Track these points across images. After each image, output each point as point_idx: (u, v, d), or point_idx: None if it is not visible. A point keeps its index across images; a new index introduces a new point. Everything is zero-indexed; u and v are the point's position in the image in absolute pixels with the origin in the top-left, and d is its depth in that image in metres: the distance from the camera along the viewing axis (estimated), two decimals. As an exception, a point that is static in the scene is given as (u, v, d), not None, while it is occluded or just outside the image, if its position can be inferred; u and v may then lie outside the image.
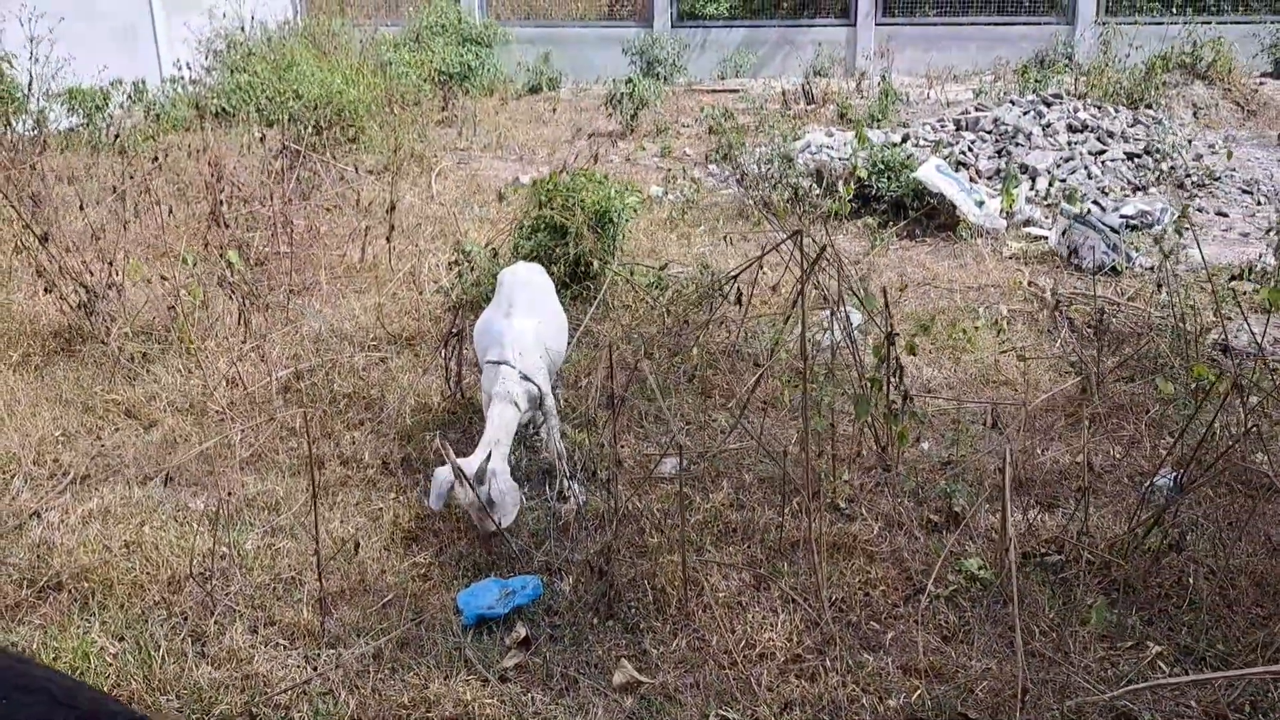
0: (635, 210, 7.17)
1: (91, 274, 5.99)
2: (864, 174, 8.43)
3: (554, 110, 14.10)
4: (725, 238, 6.71)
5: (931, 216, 8.32)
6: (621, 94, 12.47)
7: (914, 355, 4.65)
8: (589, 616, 3.59)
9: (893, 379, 4.21)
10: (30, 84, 11.10)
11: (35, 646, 3.41)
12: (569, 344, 4.96)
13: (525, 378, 4.18)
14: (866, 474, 4.49)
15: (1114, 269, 7.19)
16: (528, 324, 4.40)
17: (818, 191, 8.83)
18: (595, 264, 6.43)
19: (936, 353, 5.86)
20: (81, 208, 6.29)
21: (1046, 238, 7.94)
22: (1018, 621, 3.08)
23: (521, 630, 3.49)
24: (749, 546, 4.00)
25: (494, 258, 6.17)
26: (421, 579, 3.86)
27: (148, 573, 3.83)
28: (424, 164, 10.32)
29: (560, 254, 6.32)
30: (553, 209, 6.48)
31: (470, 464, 3.91)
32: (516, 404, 4.13)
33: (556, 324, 4.70)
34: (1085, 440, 4.08)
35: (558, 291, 5.30)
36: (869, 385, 4.15)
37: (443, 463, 4.02)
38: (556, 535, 4.10)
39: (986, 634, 3.50)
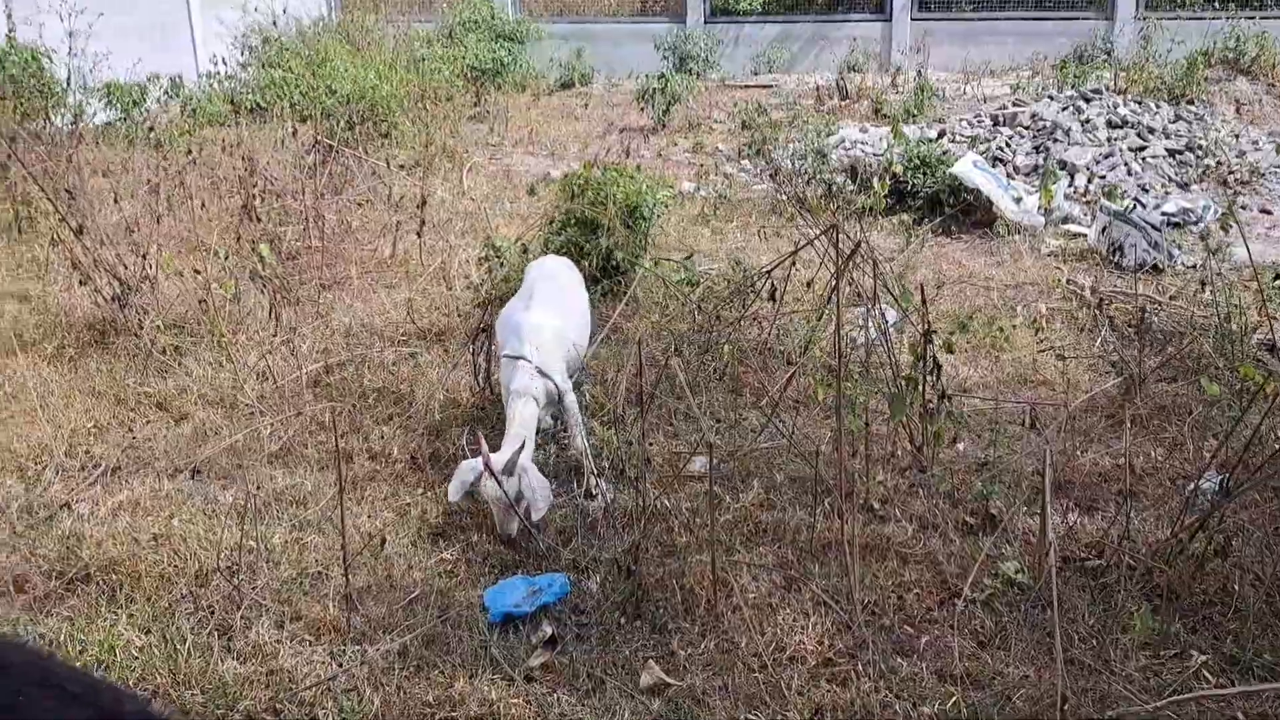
0: (666, 205, 7.11)
1: (125, 267, 6.02)
2: (899, 170, 8.30)
3: (586, 106, 14.06)
4: (759, 232, 6.62)
5: (968, 213, 8.19)
6: (654, 89, 12.40)
7: (951, 354, 4.55)
8: (616, 616, 3.54)
9: (929, 378, 4.12)
10: (68, 79, 11.22)
11: (63, 638, 3.41)
12: (595, 339, 4.91)
13: (542, 373, 4.13)
14: (901, 475, 4.40)
15: (1155, 267, 7.04)
16: (547, 318, 4.36)
17: (852, 187, 8.72)
18: (624, 259, 6.38)
19: (973, 351, 5.75)
20: (116, 201, 6.32)
21: (1086, 235, 7.79)
22: (1057, 628, 3.00)
23: (548, 629, 3.44)
24: (779, 547, 3.93)
25: (524, 253, 6.13)
26: (448, 575, 3.83)
27: (175, 566, 3.82)
28: (456, 159, 10.31)
29: (590, 249, 6.27)
30: (583, 204, 6.43)
31: (499, 458, 3.88)
32: (535, 399, 4.09)
33: (579, 319, 4.65)
34: (1126, 442, 3.97)
35: (587, 287, 5.26)
36: (904, 384, 4.07)
37: (471, 456, 3.99)
38: (584, 533, 4.05)
39: (1024, 640, 3.41)
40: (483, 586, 3.73)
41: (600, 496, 4.19)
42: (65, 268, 6.41)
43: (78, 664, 3.29)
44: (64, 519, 4.17)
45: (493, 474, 3.79)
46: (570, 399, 4.34)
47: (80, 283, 6.08)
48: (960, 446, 4.69)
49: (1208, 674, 3.25)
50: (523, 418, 4.04)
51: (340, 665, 3.31)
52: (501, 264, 6.11)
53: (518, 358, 4.17)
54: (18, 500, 4.31)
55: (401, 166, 9.24)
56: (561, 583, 3.66)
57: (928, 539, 3.98)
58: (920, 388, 4.11)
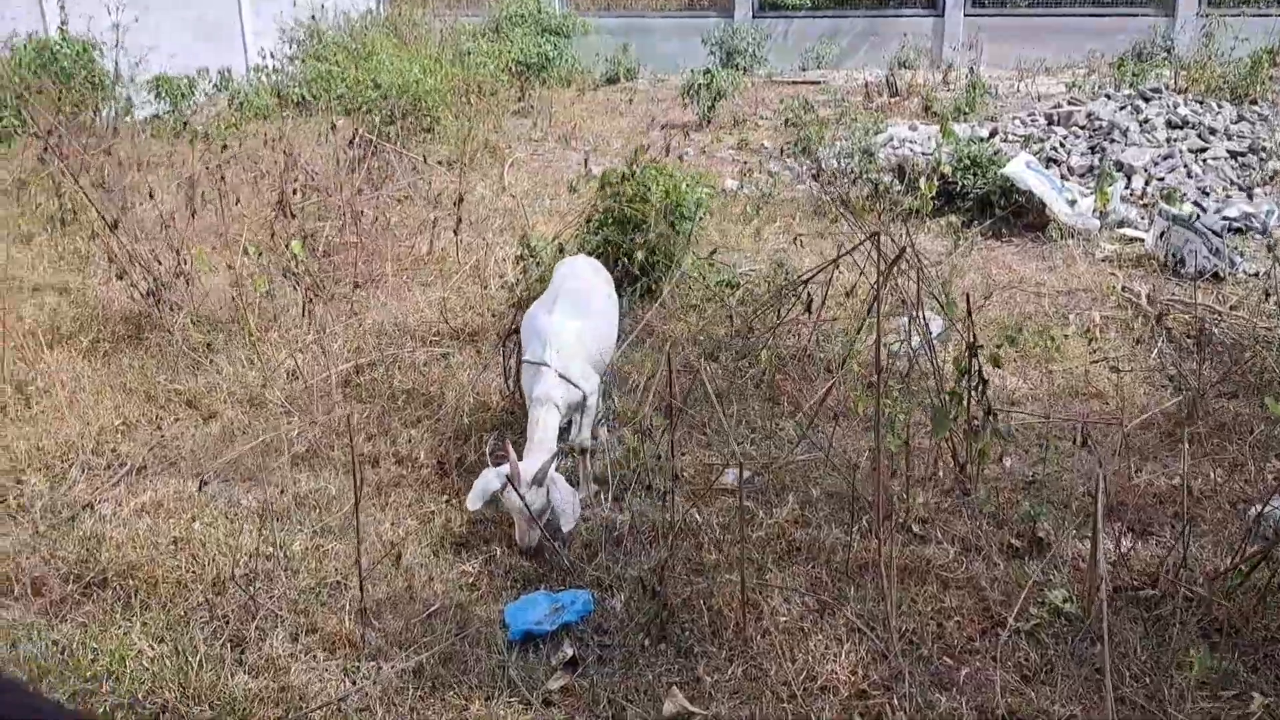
0: (707, 205, 6.95)
1: (159, 262, 5.99)
2: (948, 170, 8.06)
3: (630, 101, 13.92)
4: (797, 239, 6.44)
5: (1019, 215, 7.93)
6: (699, 85, 12.22)
7: (998, 368, 4.35)
8: (640, 638, 3.40)
9: (974, 393, 3.92)
10: (115, 71, 11.31)
11: (75, 645, 3.34)
12: (622, 343, 4.77)
13: (564, 379, 4.01)
14: (943, 493, 4.21)
15: (1216, 275, 6.74)
16: (570, 322, 4.23)
17: (899, 187, 8.48)
18: (661, 259, 6.23)
19: (1022, 361, 5.53)
20: (151, 195, 6.29)
21: (1143, 240, 7.50)
22: (1108, 663, 2.81)
23: (569, 650, 3.31)
24: (813, 568, 3.76)
25: (559, 252, 6.00)
26: (469, 589, 3.71)
27: (193, 572, 3.75)
28: (497, 155, 10.22)
29: (628, 248, 6.13)
30: (621, 202, 6.29)
31: (528, 467, 3.75)
32: (557, 406, 3.96)
33: (604, 323, 4.51)
34: (1184, 462, 3.75)
35: (622, 288, 5.12)
36: (948, 398, 3.87)
37: (496, 463, 3.87)
38: (609, 548, 3.91)
39: (1071, 675, 3.21)
40: (504, 601, 3.61)
41: (591, 500, 4.03)
42: (104, 261, 6.41)
43: (89, 673, 3.23)
44: (86, 519, 4.12)
45: (517, 484, 3.67)
46: (592, 401, 4.22)
47: (117, 277, 6.07)
48: (1007, 464, 4.48)
49: (1270, 717, 3.04)
50: (545, 425, 3.92)
51: (354, 683, 3.21)
52: (537, 263, 6.00)
53: (540, 364, 4.05)
54: (42, 499, 4.28)
55: (440, 162, 9.17)
56: (585, 600, 3.53)
57: (970, 563, 3.79)
58: (965, 403, 3.92)
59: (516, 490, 3.69)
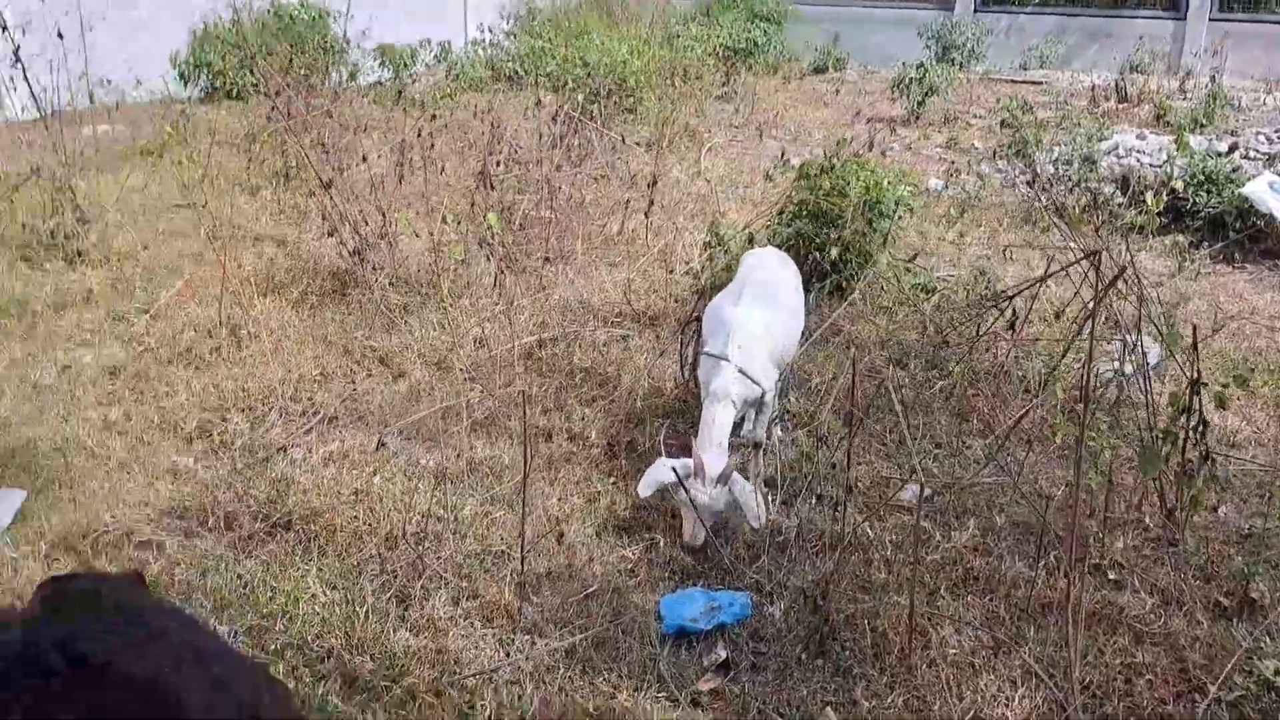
0: (908, 204, 6.65)
1: (366, 223, 6.26)
2: (1179, 184, 7.42)
3: (837, 92, 13.59)
4: (1005, 251, 6.07)
5: (1256, 240, 7.23)
6: (910, 79, 11.78)
7: (1224, 409, 3.94)
8: (797, 650, 3.27)
9: (1192, 433, 3.56)
10: (345, 38, 11.94)
11: (256, 581, 3.52)
12: (806, 340, 4.61)
13: (744, 374, 3.89)
14: (1145, 538, 3.86)
15: None
16: (756, 315, 4.10)
17: (1120, 200, 7.89)
18: (855, 257, 6.01)
19: (1249, 400, 5.02)
20: (364, 159, 6.57)
21: (1406, 278, 6.69)
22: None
23: (722, 652, 3.23)
24: (990, 601, 3.52)
25: (749, 242, 5.89)
26: (627, 574, 3.68)
27: (369, 524, 3.88)
28: (696, 139, 10.17)
29: (820, 243, 5.94)
30: (818, 195, 6.10)
31: (713, 465, 3.67)
32: (734, 402, 3.85)
33: (790, 318, 4.36)
34: None
35: (810, 283, 4.96)
36: (1161, 437, 3.54)
37: (669, 453, 3.81)
38: (772, 553, 3.78)
39: (1278, 760, 2.87)
40: (660, 592, 3.55)
41: (759, 508, 3.89)
42: (318, 218, 6.76)
43: (266, 610, 3.39)
44: (278, 462, 4.33)
45: (697, 481, 3.60)
46: (770, 399, 4.09)
47: (328, 234, 6.38)
48: (1221, 512, 4.07)
49: None
50: (721, 424, 3.83)
51: (507, 654, 3.23)
52: (724, 251, 5.91)
53: (720, 357, 3.95)
54: (242, 438, 4.54)
55: (639, 143, 9.20)
56: (742, 603, 3.43)
57: (1169, 617, 3.45)
58: (1180, 443, 3.57)
59: (690, 487, 3.61)
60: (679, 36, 13.69)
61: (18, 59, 6.92)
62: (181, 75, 12.07)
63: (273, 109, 7.02)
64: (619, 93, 10.80)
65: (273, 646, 3.22)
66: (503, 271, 6.11)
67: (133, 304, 6.04)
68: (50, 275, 6.49)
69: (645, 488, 3.74)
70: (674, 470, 3.67)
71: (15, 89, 8.40)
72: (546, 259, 6.32)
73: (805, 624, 3.33)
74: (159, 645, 2.10)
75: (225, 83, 11.74)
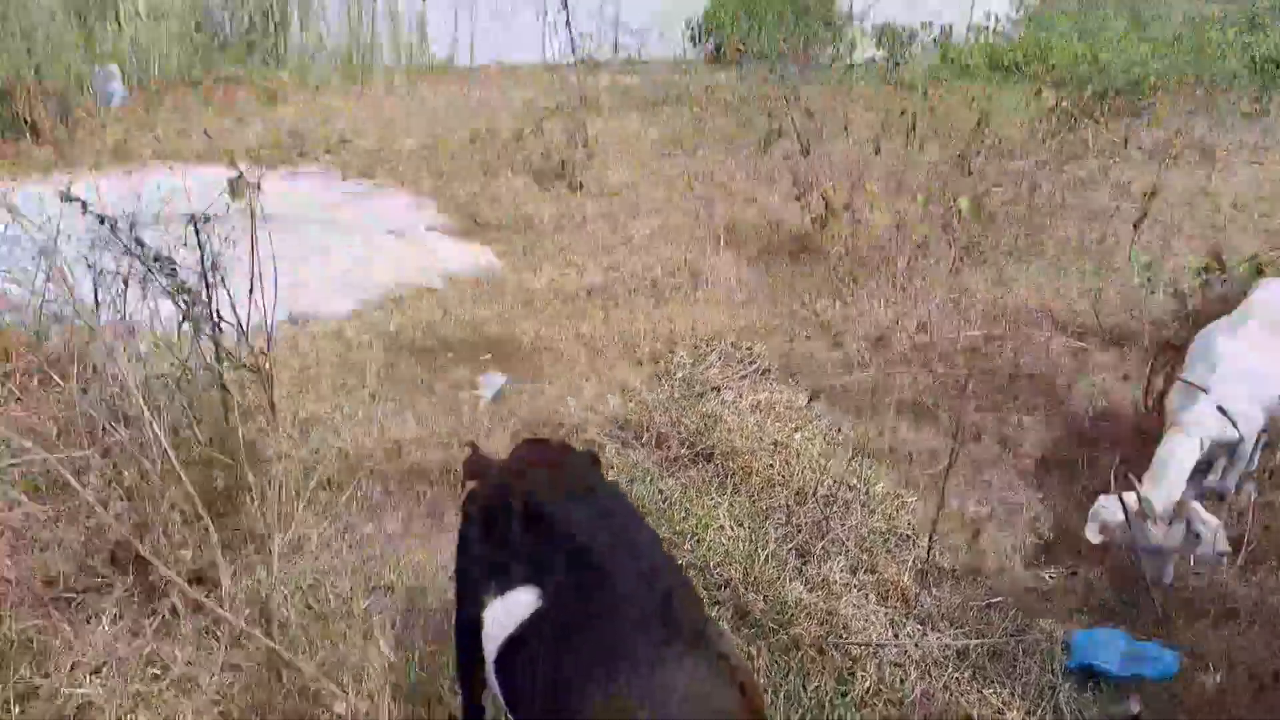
0: None
1: (835, 191, 6.34)
2: None
3: None
4: None
5: None
6: None
7: None
8: (1227, 731, 2.86)
9: None
10: (850, 13, 12.10)
11: (674, 500, 3.77)
12: None
13: (1222, 412, 3.39)
14: None
15: None
16: (1253, 352, 3.56)
17: None
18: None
19: None
20: (845, 129, 6.64)
21: None
22: None
23: (1135, 707, 2.90)
24: None
25: (1257, 273, 5.13)
26: (1040, 597, 3.43)
27: (783, 476, 3.97)
28: (1210, 156, 9.02)
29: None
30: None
31: (1157, 498, 3.31)
32: (1201, 441, 3.38)
33: None
34: None
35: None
36: None
37: (1109, 491, 3.46)
38: (1218, 618, 3.31)
39: None
40: (1072, 622, 3.27)
41: (1221, 540, 3.37)
42: (789, 182, 6.97)
43: (678, 528, 3.61)
44: (710, 399, 4.57)
45: (1143, 518, 3.25)
46: (1246, 448, 3.56)
47: (796, 198, 6.56)
48: None
49: None
50: (1179, 458, 3.39)
51: (895, 636, 3.16)
52: (1224, 280, 5.21)
53: (1198, 387, 3.50)
54: (683, 371, 4.84)
55: (1140, 148, 8.37)
56: (1170, 660, 3.05)
57: None
58: None
59: (1139, 527, 3.27)
60: (1213, 43, 12.20)
61: (565, 4, 7.83)
62: (692, 36, 12.97)
63: (770, 71, 7.31)
64: (1130, 94, 9.88)
65: (679, 562, 3.42)
66: (962, 260, 5.90)
67: (616, 235, 6.66)
68: (554, 199, 7.35)
69: (1092, 532, 3.40)
70: (1114, 509, 3.33)
71: (557, 33, 9.53)
72: (1012, 253, 6.00)
73: (1243, 704, 2.89)
74: (604, 525, 2.30)
75: (729, 45, 12.45)
